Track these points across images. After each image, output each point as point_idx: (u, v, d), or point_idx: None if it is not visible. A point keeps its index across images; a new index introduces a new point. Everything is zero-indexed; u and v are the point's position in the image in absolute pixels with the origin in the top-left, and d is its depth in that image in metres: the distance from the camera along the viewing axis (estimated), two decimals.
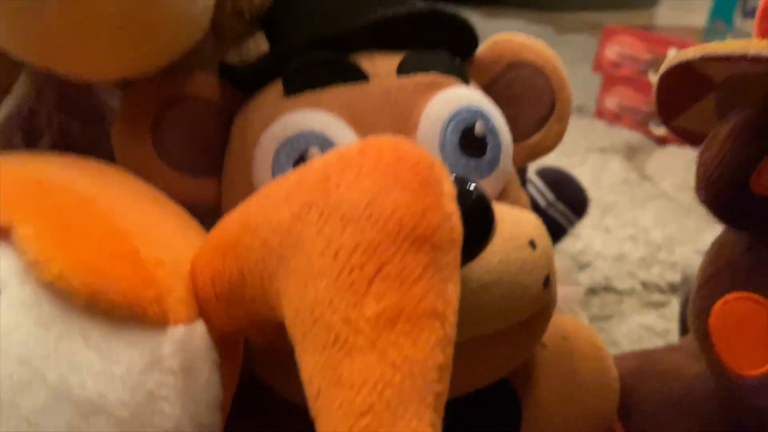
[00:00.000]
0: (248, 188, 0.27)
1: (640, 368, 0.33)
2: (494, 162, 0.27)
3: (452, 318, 0.17)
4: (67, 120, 0.34)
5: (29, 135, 0.34)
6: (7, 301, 0.17)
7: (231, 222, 0.20)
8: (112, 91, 0.33)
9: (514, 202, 0.29)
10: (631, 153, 0.89)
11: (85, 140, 0.35)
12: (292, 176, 0.19)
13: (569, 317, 0.36)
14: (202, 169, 0.29)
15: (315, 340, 0.16)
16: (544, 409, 0.31)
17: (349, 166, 0.18)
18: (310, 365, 0.16)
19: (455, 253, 0.18)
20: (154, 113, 0.28)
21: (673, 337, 0.52)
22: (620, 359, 0.34)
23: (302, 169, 0.19)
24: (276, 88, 0.28)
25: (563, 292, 0.38)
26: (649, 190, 0.78)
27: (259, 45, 0.37)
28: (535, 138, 0.32)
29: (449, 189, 0.18)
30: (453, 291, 0.17)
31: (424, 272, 0.17)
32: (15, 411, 0.16)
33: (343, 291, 0.16)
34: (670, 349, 0.36)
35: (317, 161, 0.19)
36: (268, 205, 0.19)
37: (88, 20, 0.21)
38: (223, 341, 0.21)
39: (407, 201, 0.17)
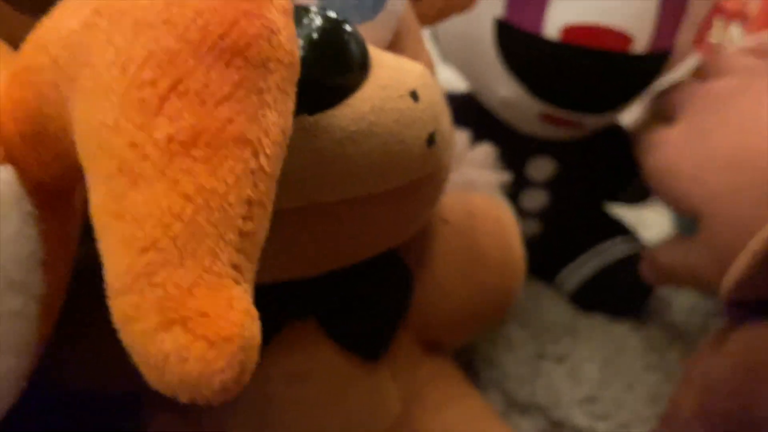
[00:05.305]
0: None
1: (753, 370, 0.25)
2: (379, 3, 0.24)
3: (270, 150, 0.14)
4: None
5: None
6: None
7: (27, 43, 0.17)
8: None
9: (414, 57, 0.26)
10: None
11: None
12: None
13: (482, 195, 0.34)
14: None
15: (99, 170, 0.14)
16: (440, 286, 0.30)
17: None
18: (94, 199, 0.14)
19: (283, 76, 0.15)
20: None
21: None
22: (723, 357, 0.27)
23: None
24: None
25: (484, 176, 0.35)
26: None
27: None
28: None
29: (281, 1, 0.15)
30: (276, 120, 0.15)
31: (234, 91, 0.14)
32: None
33: (130, 110, 0.13)
34: None
35: None
36: (62, 17, 0.15)
37: None
38: (42, 191, 0.18)
39: (215, 5, 0.14)
